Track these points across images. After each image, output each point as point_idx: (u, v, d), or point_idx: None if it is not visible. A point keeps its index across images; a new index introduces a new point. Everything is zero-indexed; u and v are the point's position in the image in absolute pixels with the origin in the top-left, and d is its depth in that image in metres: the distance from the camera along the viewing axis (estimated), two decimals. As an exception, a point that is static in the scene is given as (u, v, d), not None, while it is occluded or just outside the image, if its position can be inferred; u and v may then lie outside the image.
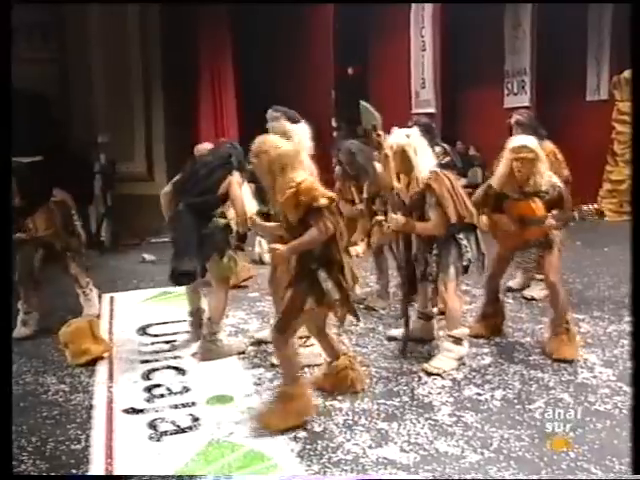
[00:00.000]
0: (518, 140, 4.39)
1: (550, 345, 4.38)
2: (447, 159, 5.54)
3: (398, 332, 4.74)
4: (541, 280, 5.64)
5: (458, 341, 4.23)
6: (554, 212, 4.35)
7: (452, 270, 4.22)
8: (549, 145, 5.32)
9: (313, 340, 4.34)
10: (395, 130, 4.42)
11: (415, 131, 4.41)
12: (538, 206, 4.32)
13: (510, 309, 5.45)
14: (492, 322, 4.81)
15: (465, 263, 4.22)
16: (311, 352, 4.32)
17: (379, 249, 5.57)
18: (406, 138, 4.22)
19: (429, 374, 4.11)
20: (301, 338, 4.32)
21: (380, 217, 5.28)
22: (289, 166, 3.40)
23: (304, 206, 3.33)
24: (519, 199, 4.36)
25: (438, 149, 5.49)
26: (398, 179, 4.30)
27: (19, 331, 5.03)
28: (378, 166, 5.73)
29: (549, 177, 4.35)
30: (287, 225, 3.49)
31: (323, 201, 3.32)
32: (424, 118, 5.81)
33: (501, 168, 4.41)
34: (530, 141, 4.34)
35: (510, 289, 5.92)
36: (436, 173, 4.16)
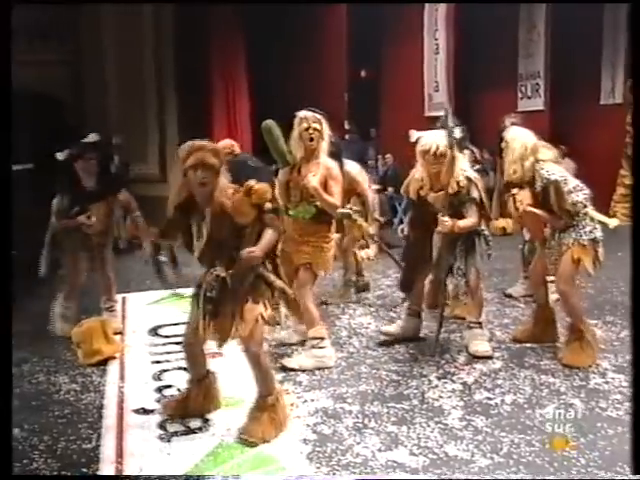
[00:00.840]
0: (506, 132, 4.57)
1: (563, 351, 4.39)
2: (477, 166, 5.51)
3: (392, 328, 4.91)
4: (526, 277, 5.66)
5: (482, 325, 4.60)
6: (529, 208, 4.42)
7: (480, 261, 4.47)
8: None
9: (326, 342, 4.36)
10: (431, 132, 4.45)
11: (459, 131, 4.44)
12: (525, 196, 4.34)
13: (521, 313, 5.44)
14: (549, 326, 4.73)
15: (490, 252, 4.48)
16: (324, 354, 4.33)
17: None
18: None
19: (479, 358, 4.39)
20: (315, 339, 4.34)
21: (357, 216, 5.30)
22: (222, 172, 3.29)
23: (256, 209, 3.25)
24: (522, 188, 4.41)
25: (467, 152, 5.42)
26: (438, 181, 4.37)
27: (62, 328, 4.99)
28: (355, 166, 5.71)
29: (535, 167, 4.29)
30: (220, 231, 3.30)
31: (274, 204, 3.31)
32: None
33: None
34: (510, 132, 4.51)
35: (510, 295, 5.89)
36: (472, 171, 4.46)
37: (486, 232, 4.50)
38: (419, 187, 4.49)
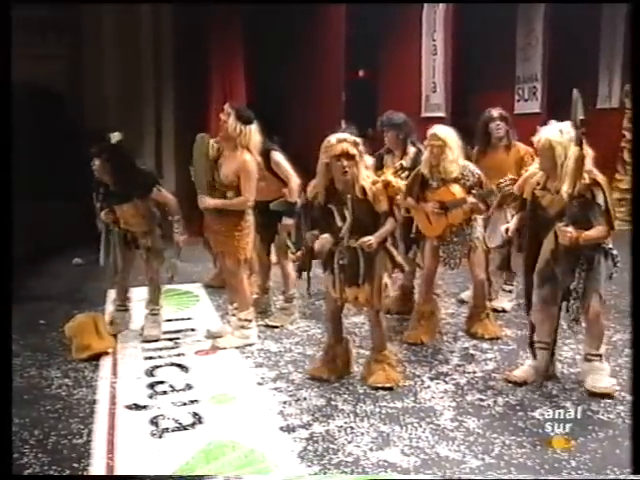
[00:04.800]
0: (432, 129, 4.64)
1: (476, 329, 4.88)
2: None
3: (519, 372, 4.11)
4: (509, 291, 5.59)
5: (602, 358, 3.97)
6: (473, 191, 4.62)
7: (604, 283, 3.84)
8: (523, 147, 5.25)
9: (252, 324, 4.84)
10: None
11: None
12: (457, 190, 4.61)
13: (514, 315, 5.43)
14: (431, 324, 4.87)
15: (614, 273, 3.85)
16: (250, 334, 4.81)
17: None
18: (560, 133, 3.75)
19: (597, 395, 3.82)
20: (245, 321, 4.77)
21: None
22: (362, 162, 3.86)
23: (389, 200, 3.83)
24: (439, 186, 4.65)
25: (413, 150, 5.23)
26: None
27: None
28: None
29: (464, 165, 4.64)
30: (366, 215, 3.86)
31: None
32: (396, 115, 5.32)
33: (425, 155, 4.70)
34: (440, 130, 4.63)
35: (462, 301, 5.76)
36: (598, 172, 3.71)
37: (613, 249, 3.80)
38: (535, 185, 3.83)
